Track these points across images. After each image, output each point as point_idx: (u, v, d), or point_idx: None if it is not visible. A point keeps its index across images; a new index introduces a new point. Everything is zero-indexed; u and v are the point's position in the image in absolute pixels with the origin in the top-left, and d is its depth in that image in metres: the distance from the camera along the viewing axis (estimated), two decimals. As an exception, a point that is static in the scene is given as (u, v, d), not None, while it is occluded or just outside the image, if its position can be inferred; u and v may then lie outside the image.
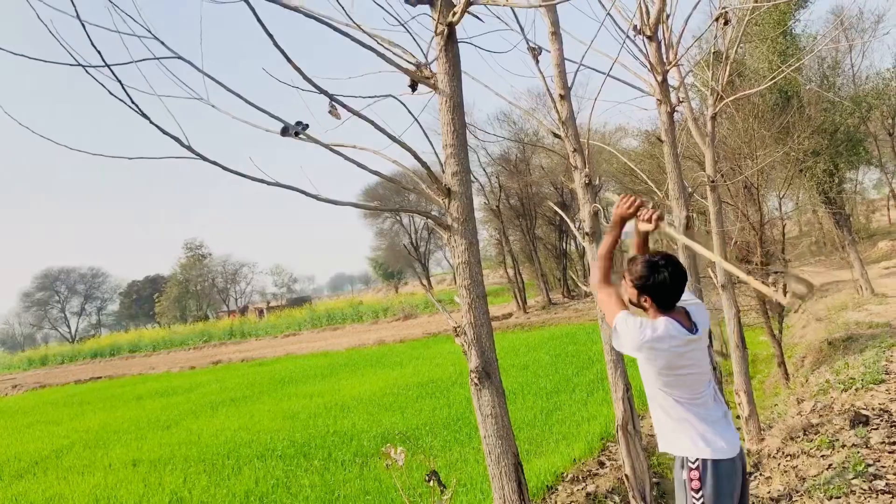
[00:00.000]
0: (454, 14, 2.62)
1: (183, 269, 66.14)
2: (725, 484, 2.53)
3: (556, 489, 6.29)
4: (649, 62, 5.19)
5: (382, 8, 2.82)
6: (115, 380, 27.80)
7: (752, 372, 9.91)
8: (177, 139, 2.20)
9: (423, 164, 2.69)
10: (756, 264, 10.32)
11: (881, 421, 5.44)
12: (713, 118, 6.84)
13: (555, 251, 36.05)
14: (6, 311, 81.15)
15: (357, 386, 14.55)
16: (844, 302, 14.99)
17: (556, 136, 4.61)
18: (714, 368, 4.96)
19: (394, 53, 2.69)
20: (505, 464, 2.63)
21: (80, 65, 2.10)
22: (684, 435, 2.59)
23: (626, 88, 5.34)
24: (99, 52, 2.09)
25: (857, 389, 6.56)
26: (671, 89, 5.52)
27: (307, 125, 2.46)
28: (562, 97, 4.51)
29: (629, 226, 2.90)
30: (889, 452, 4.74)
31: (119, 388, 22.88)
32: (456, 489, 6.18)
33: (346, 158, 2.53)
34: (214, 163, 2.33)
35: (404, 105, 2.82)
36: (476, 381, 2.64)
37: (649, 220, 2.78)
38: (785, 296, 2.81)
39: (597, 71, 5.02)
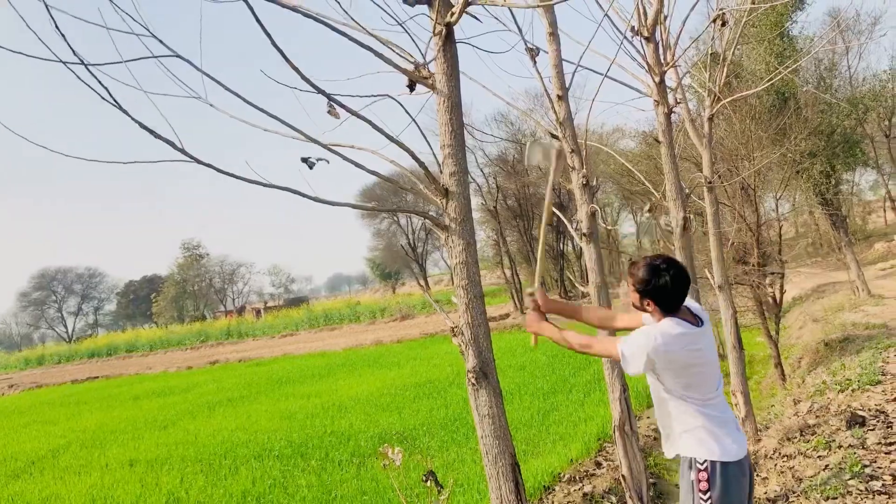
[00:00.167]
0: (452, 14, 2.62)
1: (180, 269, 66.01)
2: (734, 486, 2.54)
3: (553, 489, 6.29)
4: (647, 63, 5.20)
5: (381, 8, 2.82)
6: (112, 380, 27.73)
7: (749, 373, 9.94)
8: (170, 142, 2.19)
9: (421, 164, 2.69)
10: (753, 265, 10.35)
11: (877, 422, 5.46)
12: (710, 119, 6.85)
13: (552, 252, 36.03)
14: (3, 311, 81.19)
15: (354, 386, 14.54)
16: (841, 303, 15.03)
17: (553, 136, 4.62)
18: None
19: (392, 53, 2.69)
20: (502, 464, 2.63)
21: (60, 61, 2.09)
22: (694, 436, 2.59)
23: (623, 89, 5.36)
24: (74, 50, 2.08)
25: (853, 390, 6.57)
26: (668, 90, 5.53)
27: (328, 161, 2.59)
28: (559, 98, 4.51)
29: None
30: (885, 453, 4.75)
31: (116, 388, 22.82)
32: (453, 489, 6.18)
33: (345, 158, 2.53)
34: (209, 165, 2.32)
35: (402, 105, 2.82)
36: (473, 381, 2.63)
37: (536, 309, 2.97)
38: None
39: (594, 72, 5.04)
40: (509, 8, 4.26)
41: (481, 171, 32.47)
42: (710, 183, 6.80)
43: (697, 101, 11.87)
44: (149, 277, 72.57)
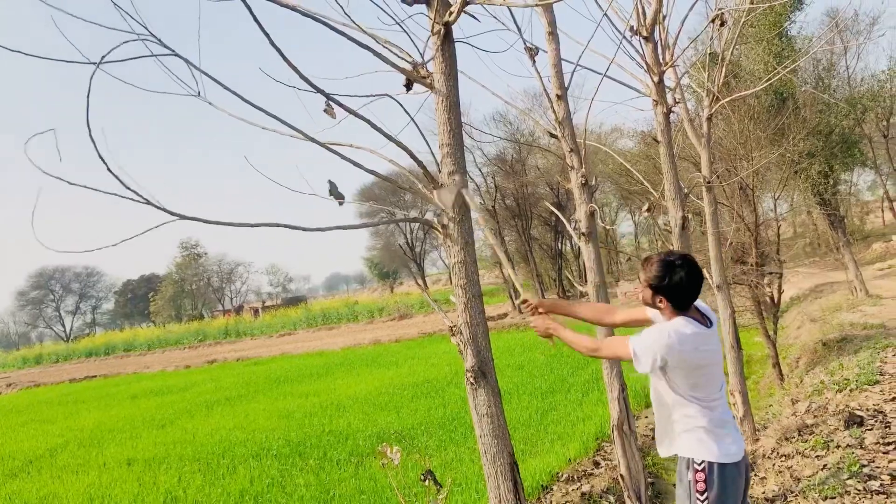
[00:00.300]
0: (451, 13, 2.61)
1: (178, 268, 65.99)
2: (731, 487, 2.54)
3: (552, 489, 6.29)
4: (646, 63, 5.20)
5: (379, 7, 2.81)
6: (110, 379, 27.70)
7: (747, 373, 9.95)
8: (149, 202, 2.08)
9: (420, 163, 2.68)
10: (751, 265, 10.36)
11: (875, 422, 5.46)
12: (709, 119, 6.86)
13: (550, 251, 36.06)
14: (1, 310, 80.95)
15: (352, 385, 14.53)
16: (839, 303, 15.05)
17: (552, 136, 4.61)
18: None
19: (390, 52, 2.68)
20: (500, 463, 2.63)
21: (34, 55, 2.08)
22: (694, 436, 2.58)
23: (622, 89, 5.34)
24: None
25: (851, 390, 6.58)
26: (667, 90, 5.53)
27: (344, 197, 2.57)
28: (558, 97, 4.51)
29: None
30: (883, 453, 4.76)
31: (114, 386, 22.80)
32: (451, 488, 6.18)
33: (343, 157, 2.53)
34: (194, 218, 2.18)
35: (400, 105, 2.81)
36: (472, 380, 2.63)
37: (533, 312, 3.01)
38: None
39: (593, 71, 5.02)
40: (508, 7, 4.25)
41: (480, 170, 32.47)
42: (708, 183, 6.81)
43: (696, 100, 11.88)
44: (147, 276, 72.53)
